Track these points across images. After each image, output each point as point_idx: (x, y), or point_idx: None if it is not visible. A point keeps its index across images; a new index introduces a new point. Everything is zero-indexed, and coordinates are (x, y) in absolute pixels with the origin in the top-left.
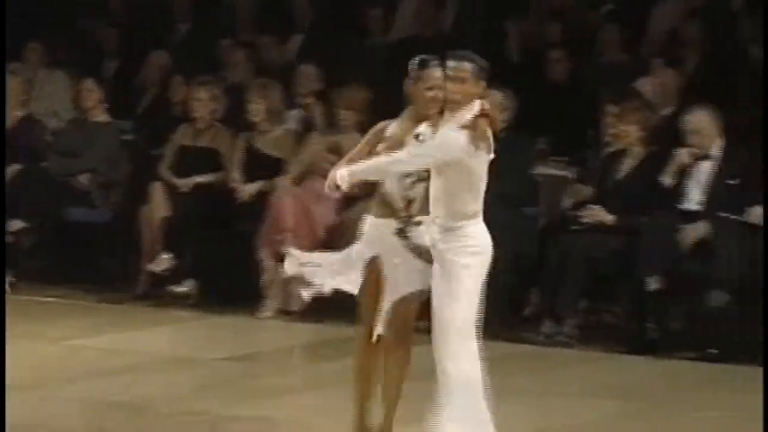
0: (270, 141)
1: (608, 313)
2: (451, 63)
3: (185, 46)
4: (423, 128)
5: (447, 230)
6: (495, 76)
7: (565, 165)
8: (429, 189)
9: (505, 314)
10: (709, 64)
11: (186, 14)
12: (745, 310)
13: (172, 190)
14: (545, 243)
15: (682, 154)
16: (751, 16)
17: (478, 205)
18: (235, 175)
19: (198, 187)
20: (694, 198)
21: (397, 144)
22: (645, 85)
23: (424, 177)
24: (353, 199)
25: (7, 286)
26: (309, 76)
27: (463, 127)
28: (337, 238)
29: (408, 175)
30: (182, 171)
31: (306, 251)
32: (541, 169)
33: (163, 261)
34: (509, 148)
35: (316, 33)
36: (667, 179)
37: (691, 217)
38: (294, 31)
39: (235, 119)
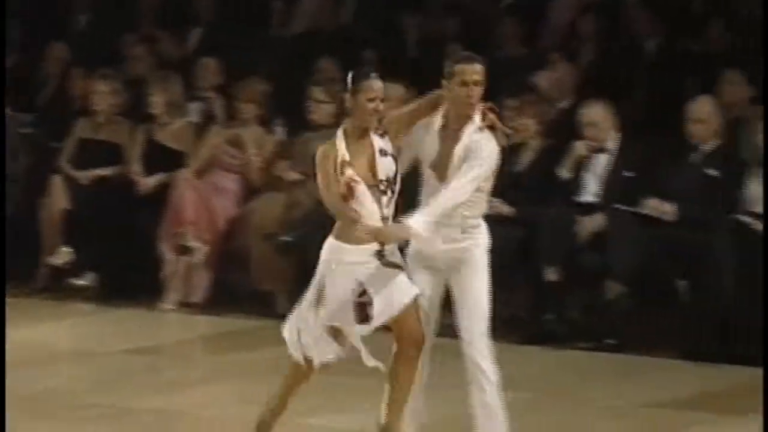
0: (170, 133)
1: (507, 304)
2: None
3: (85, 38)
4: (382, 143)
5: (470, 228)
6: (393, 70)
7: None
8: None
9: None
10: (604, 59)
11: (86, 6)
12: (640, 301)
13: (72, 183)
14: None
15: (579, 147)
16: (645, 10)
17: None
18: (136, 168)
19: (98, 179)
20: (591, 190)
21: (365, 165)
22: (542, 79)
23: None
24: (253, 192)
25: None
26: (209, 69)
27: (487, 129)
28: (237, 230)
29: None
30: (82, 164)
31: (207, 244)
32: None
33: (64, 254)
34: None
35: (217, 26)
36: (564, 172)
37: (588, 209)
38: (195, 24)
39: (136, 112)
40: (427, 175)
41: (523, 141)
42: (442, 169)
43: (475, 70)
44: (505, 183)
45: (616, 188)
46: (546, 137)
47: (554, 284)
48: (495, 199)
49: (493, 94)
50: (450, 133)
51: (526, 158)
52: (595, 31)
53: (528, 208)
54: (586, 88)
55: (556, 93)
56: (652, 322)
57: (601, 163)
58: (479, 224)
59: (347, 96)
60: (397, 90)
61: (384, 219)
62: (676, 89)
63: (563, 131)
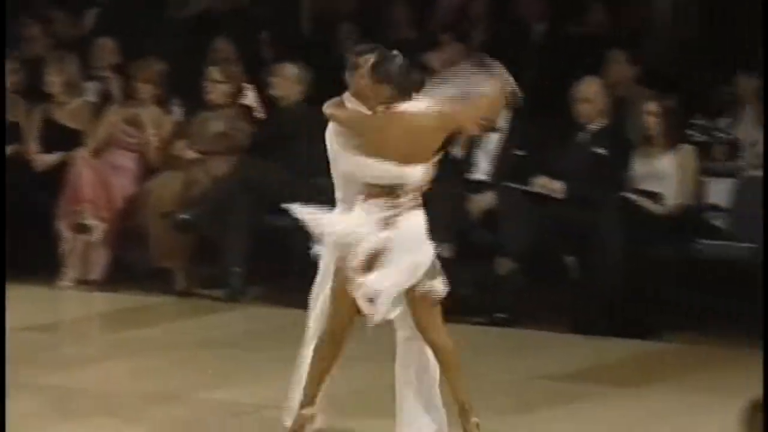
0: (68, 113)
1: None
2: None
3: None
4: None
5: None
6: (289, 50)
7: None
8: None
9: (300, 282)
10: (494, 40)
11: None
12: (530, 277)
13: None
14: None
15: None
16: None
17: None
18: (33, 147)
19: None
20: (482, 168)
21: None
22: (434, 60)
23: None
24: (151, 171)
25: None
26: (106, 49)
27: None
28: (135, 208)
29: None
30: None
31: (105, 222)
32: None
33: None
34: (305, 121)
35: (114, 6)
36: (456, 150)
37: (480, 187)
38: (91, 4)
39: (32, 91)
40: None
41: None
42: None
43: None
44: None
45: (506, 166)
46: None
47: (446, 261)
48: None
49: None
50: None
51: None
52: (485, 14)
53: None
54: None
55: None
56: (542, 298)
57: (492, 141)
58: None
59: (367, 78)
60: (291, 70)
61: None
62: (563, 70)
63: None
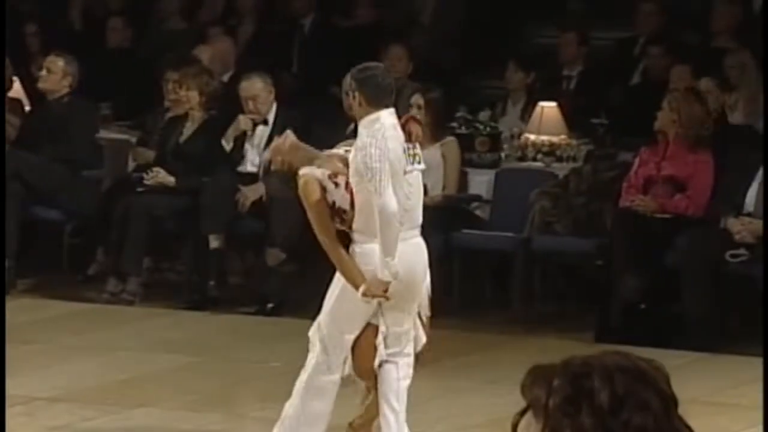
0: None
1: (171, 270)
2: None
3: None
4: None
5: None
6: (58, 43)
7: (127, 129)
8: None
9: (71, 273)
10: (263, 33)
11: None
12: (299, 266)
13: None
14: (109, 204)
15: (244, 121)
16: None
17: None
18: None
19: None
20: (251, 160)
21: None
22: (204, 52)
23: None
24: None
25: None
26: None
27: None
28: None
29: None
30: None
31: None
32: (105, 133)
33: None
34: (73, 113)
35: None
36: (227, 143)
37: (250, 178)
38: None
39: None
40: None
41: (186, 112)
42: None
43: None
44: (168, 153)
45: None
46: (208, 109)
47: (217, 251)
48: (158, 169)
49: (155, 66)
50: None
51: (188, 129)
52: (255, 7)
53: (191, 177)
54: (246, 61)
55: (218, 66)
56: (310, 287)
57: (262, 134)
58: None
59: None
60: (59, 63)
61: None
62: (332, 63)
63: (225, 103)
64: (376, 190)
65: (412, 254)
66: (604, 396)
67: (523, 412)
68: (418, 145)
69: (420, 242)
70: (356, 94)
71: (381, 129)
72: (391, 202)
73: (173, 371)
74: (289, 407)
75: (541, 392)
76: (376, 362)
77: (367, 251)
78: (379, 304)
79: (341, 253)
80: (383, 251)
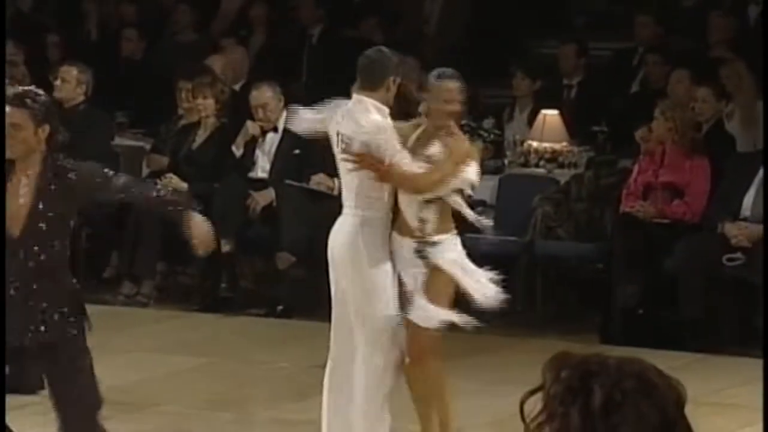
0: None
1: (184, 274)
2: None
3: None
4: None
5: None
6: (76, 53)
7: (141, 136)
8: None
9: (86, 277)
10: (273, 43)
11: None
12: (308, 270)
13: None
14: (123, 209)
15: (252, 127)
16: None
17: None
18: None
19: None
20: (262, 167)
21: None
22: (216, 62)
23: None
24: None
25: None
26: None
27: None
28: None
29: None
30: None
31: None
32: (120, 141)
33: None
34: (89, 122)
35: None
36: (237, 149)
37: (260, 184)
38: None
39: None
40: None
41: (198, 120)
42: None
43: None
44: (180, 160)
45: (285, 165)
46: (220, 117)
47: (228, 255)
48: (171, 175)
49: (170, 77)
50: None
51: (200, 137)
52: (265, 18)
53: (203, 183)
54: (257, 70)
55: (230, 75)
56: (319, 290)
57: (271, 141)
58: None
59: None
60: (73, 72)
61: (423, 221)
62: (339, 72)
63: (237, 111)
64: None
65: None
66: (601, 397)
67: (534, 391)
68: None
69: (343, 219)
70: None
71: None
72: None
73: (186, 372)
74: None
75: (550, 377)
76: None
77: None
78: None
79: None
80: None
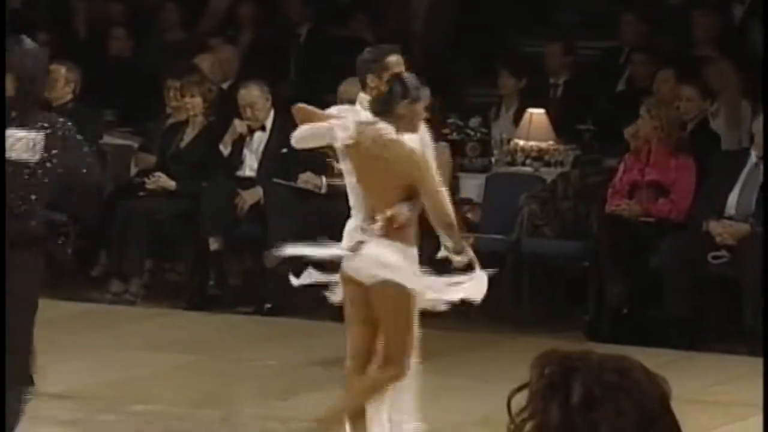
0: None
1: (172, 272)
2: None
3: None
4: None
5: None
6: (64, 51)
7: (129, 135)
8: None
9: (75, 275)
10: (261, 42)
11: None
12: (296, 268)
13: None
14: (112, 208)
15: (239, 125)
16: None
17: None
18: None
19: None
20: (250, 165)
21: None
22: (204, 61)
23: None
24: None
25: None
26: None
27: None
28: None
29: None
30: None
31: None
32: (108, 139)
33: None
34: (77, 120)
35: None
36: (225, 148)
37: (248, 182)
38: None
39: None
40: None
41: (187, 118)
42: None
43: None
44: (168, 159)
45: (273, 164)
46: (208, 116)
47: (217, 253)
48: (159, 174)
49: (156, 75)
50: None
51: (188, 135)
52: (253, 17)
53: (191, 182)
54: (244, 69)
55: (218, 74)
56: (307, 288)
57: (259, 140)
58: None
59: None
60: (61, 70)
61: None
62: (327, 70)
63: (224, 110)
64: None
65: None
66: (580, 393)
67: (521, 388)
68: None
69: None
70: None
71: None
72: None
73: (174, 370)
74: None
75: (535, 373)
76: None
77: None
78: None
79: None
80: None
